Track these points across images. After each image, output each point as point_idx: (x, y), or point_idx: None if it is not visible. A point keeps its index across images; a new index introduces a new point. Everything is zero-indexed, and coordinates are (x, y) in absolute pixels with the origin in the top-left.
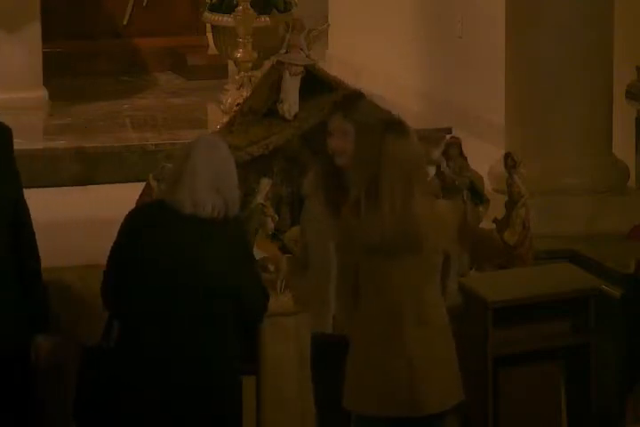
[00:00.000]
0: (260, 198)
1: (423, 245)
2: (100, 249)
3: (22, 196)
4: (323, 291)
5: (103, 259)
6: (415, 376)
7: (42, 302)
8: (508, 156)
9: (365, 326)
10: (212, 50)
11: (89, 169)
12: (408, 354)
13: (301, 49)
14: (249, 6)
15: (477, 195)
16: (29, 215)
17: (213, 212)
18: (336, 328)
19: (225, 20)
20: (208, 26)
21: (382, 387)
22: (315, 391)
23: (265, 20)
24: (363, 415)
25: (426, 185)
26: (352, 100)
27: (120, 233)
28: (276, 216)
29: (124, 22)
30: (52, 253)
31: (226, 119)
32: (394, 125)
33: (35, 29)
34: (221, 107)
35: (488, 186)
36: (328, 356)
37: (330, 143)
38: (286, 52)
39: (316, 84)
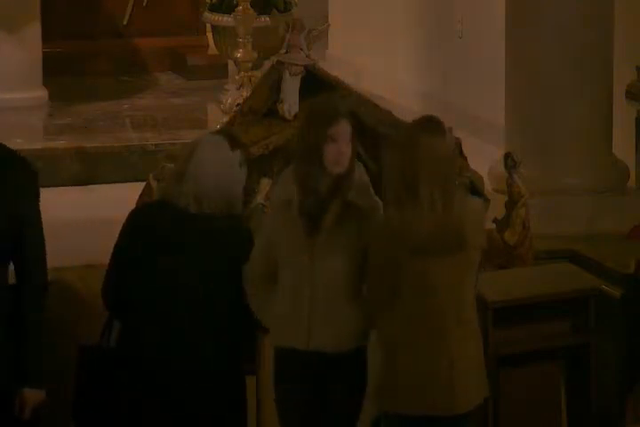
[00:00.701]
0: (259, 198)
1: (467, 242)
2: (100, 249)
3: (39, 234)
4: (298, 309)
5: (103, 259)
6: (455, 376)
7: (37, 353)
8: (507, 156)
9: (405, 327)
10: (212, 50)
11: (89, 169)
12: (450, 354)
13: (301, 49)
14: (249, 6)
15: (477, 195)
16: (43, 264)
17: (217, 210)
18: (311, 345)
19: (225, 20)
20: (208, 26)
21: (422, 386)
22: (278, 408)
23: (265, 20)
24: (396, 415)
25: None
26: (349, 104)
27: (121, 233)
28: None
29: (124, 22)
30: (52, 253)
31: (226, 119)
32: (427, 124)
33: (35, 29)
34: (221, 107)
35: (488, 186)
36: (293, 370)
37: (332, 150)
38: (286, 52)
39: (316, 84)
